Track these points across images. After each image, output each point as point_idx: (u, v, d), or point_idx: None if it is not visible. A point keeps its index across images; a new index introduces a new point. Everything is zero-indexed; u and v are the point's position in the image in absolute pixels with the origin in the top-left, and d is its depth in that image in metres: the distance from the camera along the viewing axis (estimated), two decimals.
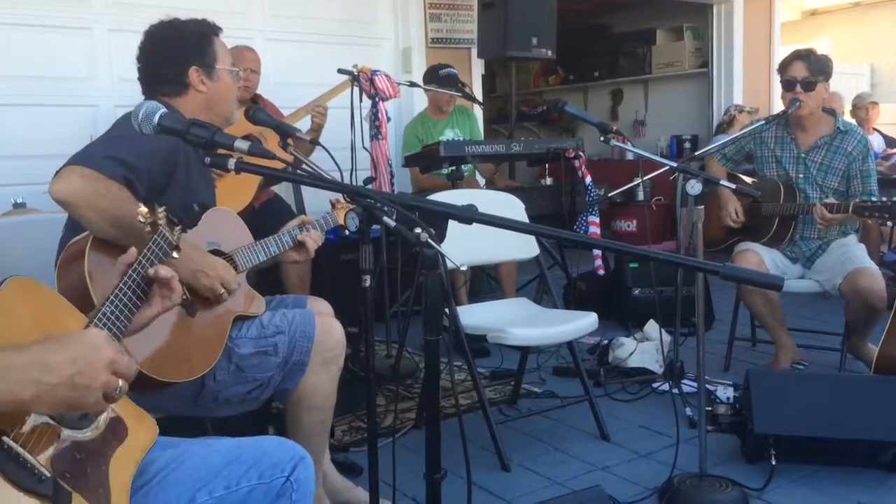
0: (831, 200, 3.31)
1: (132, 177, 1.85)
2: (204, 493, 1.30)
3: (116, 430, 1.26)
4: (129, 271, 1.38)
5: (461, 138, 4.67)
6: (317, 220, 2.40)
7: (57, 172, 1.79)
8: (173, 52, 2.11)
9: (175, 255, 1.50)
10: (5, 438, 1.05)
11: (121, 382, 1.11)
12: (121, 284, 1.36)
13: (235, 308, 2.08)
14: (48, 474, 1.08)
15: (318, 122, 3.83)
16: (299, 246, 2.30)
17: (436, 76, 4.56)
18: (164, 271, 1.40)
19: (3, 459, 1.04)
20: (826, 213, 3.22)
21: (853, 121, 5.87)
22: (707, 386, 2.86)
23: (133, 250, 1.41)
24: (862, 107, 6.07)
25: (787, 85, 3.44)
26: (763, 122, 3.51)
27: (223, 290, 1.99)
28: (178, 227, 1.49)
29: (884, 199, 3.13)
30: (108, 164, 1.81)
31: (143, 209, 1.46)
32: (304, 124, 3.84)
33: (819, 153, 3.50)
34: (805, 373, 3.52)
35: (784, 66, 3.48)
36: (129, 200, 1.81)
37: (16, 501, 1.03)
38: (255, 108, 2.29)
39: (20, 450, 1.06)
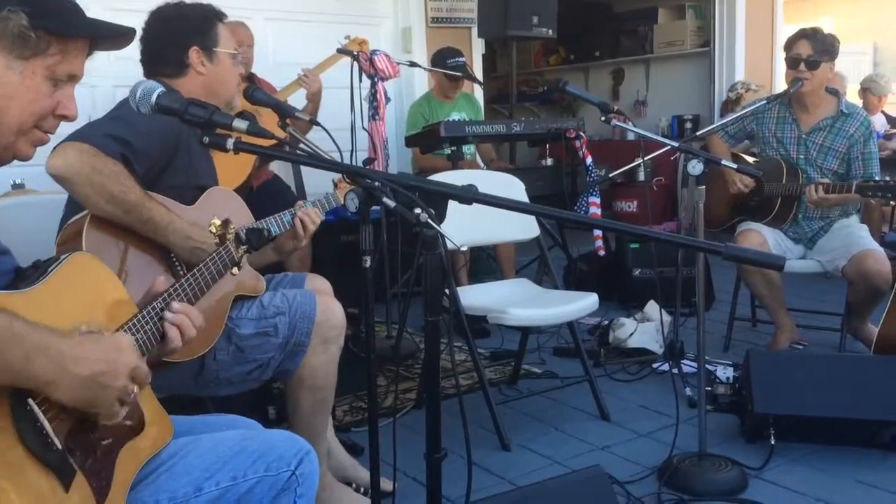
0: (825, 181, 3.29)
1: (129, 154, 1.85)
2: (211, 482, 1.31)
3: (135, 423, 1.27)
4: (189, 277, 1.45)
5: None
6: (319, 199, 2.39)
7: (54, 148, 1.78)
8: (175, 32, 2.12)
9: (235, 271, 1.61)
10: (30, 400, 1.07)
11: (136, 388, 1.17)
12: (176, 287, 1.42)
13: (235, 287, 2.07)
14: (59, 446, 1.09)
15: (312, 90, 3.75)
16: (293, 232, 2.27)
17: (443, 64, 4.50)
18: (170, 315, 1.38)
19: (22, 416, 1.05)
20: (814, 195, 3.19)
21: (860, 101, 5.85)
22: (707, 366, 2.86)
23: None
24: (875, 96, 6.04)
25: (792, 62, 3.42)
26: (765, 101, 3.50)
27: None
28: (244, 247, 1.58)
29: (887, 178, 3.12)
30: (106, 141, 1.81)
31: (217, 221, 1.57)
32: (299, 98, 3.80)
33: (820, 135, 3.48)
34: (805, 353, 3.52)
35: (789, 44, 3.46)
36: (126, 177, 1.81)
37: (20, 460, 1.04)
38: (253, 88, 2.28)
39: (39, 414, 1.07)
